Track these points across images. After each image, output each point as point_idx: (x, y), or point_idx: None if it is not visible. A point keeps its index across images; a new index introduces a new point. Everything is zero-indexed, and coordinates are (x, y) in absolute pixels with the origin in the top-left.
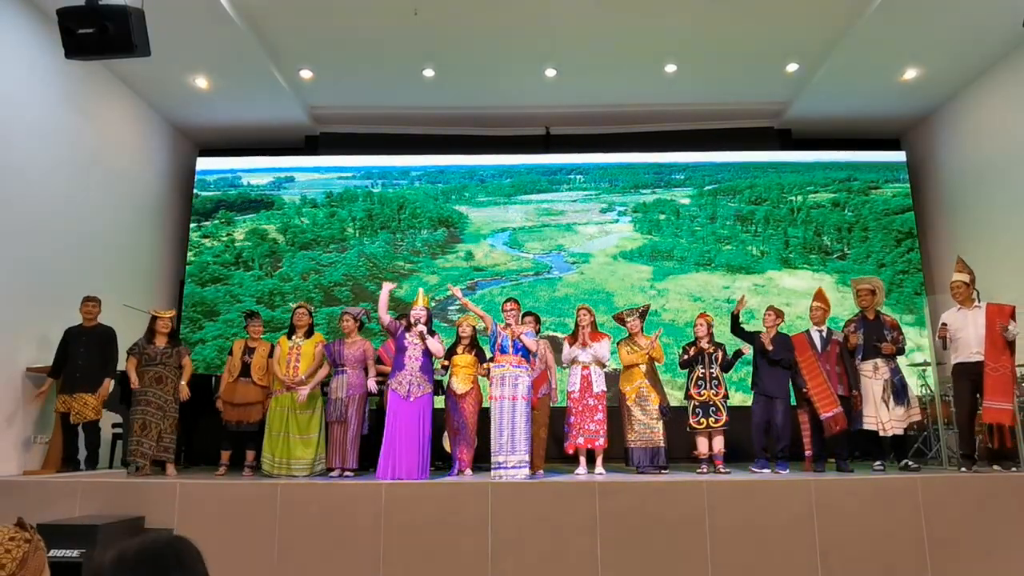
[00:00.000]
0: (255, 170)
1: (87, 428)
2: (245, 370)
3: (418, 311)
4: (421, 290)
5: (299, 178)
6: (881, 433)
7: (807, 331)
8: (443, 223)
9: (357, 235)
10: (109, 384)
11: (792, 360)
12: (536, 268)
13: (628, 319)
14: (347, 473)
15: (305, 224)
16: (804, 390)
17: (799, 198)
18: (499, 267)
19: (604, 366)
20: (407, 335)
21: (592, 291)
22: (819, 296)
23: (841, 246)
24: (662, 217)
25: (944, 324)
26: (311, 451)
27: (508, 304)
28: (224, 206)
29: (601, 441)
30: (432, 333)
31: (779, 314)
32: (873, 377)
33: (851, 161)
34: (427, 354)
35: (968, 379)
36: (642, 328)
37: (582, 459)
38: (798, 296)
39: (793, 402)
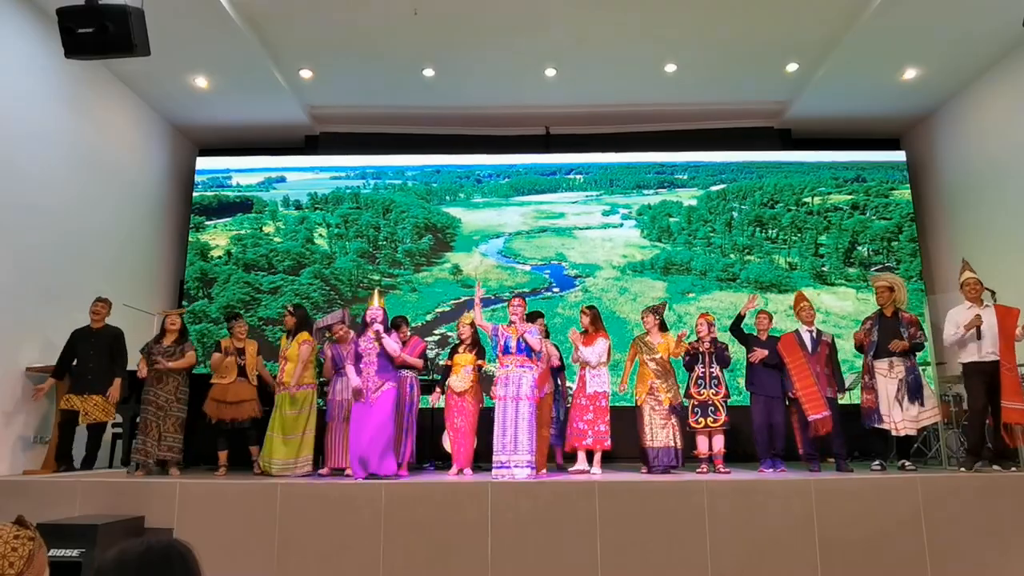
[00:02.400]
0: (247, 170)
1: (92, 429)
2: (240, 371)
3: (374, 311)
4: (377, 290)
5: (291, 178)
6: (893, 432)
7: (796, 331)
8: (430, 229)
9: (329, 244)
10: (119, 383)
11: (781, 360)
12: (533, 283)
13: (644, 318)
14: (348, 472)
15: (268, 232)
16: (791, 392)
17: (816, 200)
18: (491, 282)
19: (593, 367)
20: (360, 340)
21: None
22: (801, 297)
23: (883, 257)
24: (671, 220)
25: (978, 315)
26: (292, 451)
27: (515, 301)
28: (197, 210)
29: (588, 441)
30: (388, 332)
31: (770, 317)
32: (888, 375)
33: (857, 161)
34: (382, 356)
35: (980, 378)
36: (659, 325)
37: (580, 455)
38: (844, 321)
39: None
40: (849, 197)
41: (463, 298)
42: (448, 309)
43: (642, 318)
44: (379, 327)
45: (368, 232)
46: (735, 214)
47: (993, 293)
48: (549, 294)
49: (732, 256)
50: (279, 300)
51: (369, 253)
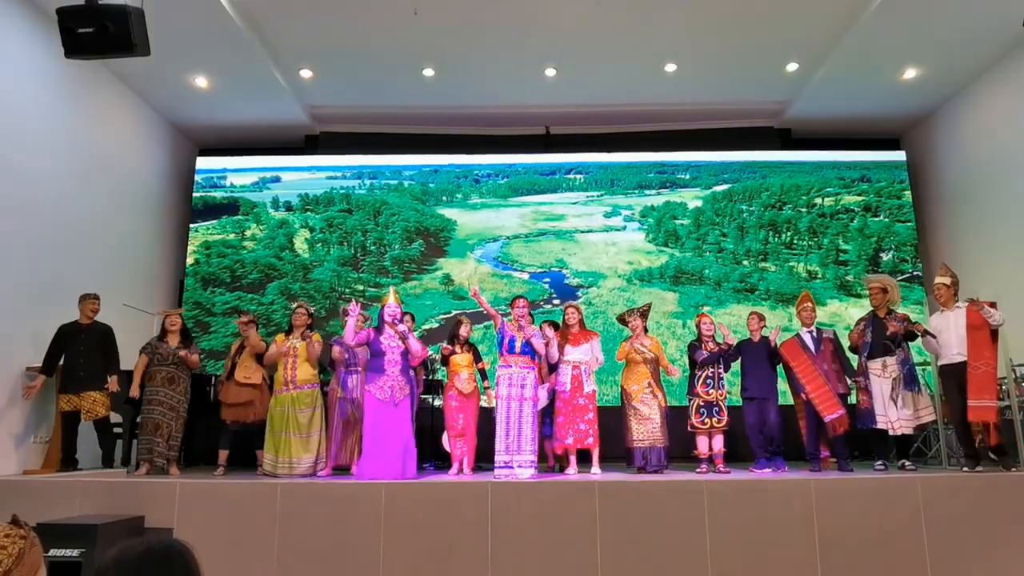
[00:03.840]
0: (243, 170)
1: (100, 427)
2: (233, 371)
3: (392, 308)
4: (392, 288)
5: (286, 178)
6: (890, 432)
7: (797, 334)
8: (422, 233)
9: (308, 251)
10: (115, 381)
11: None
12: (532, 293)
13: (629, 319)
14: (353, 471)
15: (246, 237)
16: (802, 395)
17: (827, 201)
18: (485, 292)
19: (600, 364)
20: (381, 338)
21: (606, 333)
22: (806, 298)
23: (910, 265)
24: (678, 223)
25: (916, 323)
26: (312, 451)
27: (519, 302)
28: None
29: (591, 440)
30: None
31: (762, 318)
32: (882, 375)
33: (860, 160)
34: (405, 355)
35: (953, 380)
36: (644, 328)
37: (572, 459)
38: None
39: (788, 402)
40: (859, 198)
41: (453, 312)
42: (437, 326)
43: (628, 321)
44: (404, 328)
45: (354, 237)
46: (746, 216)
47: (955, 294)
48: (549, 307)
49: (746, 263)
50: (230, 328)
51: (353, 260)
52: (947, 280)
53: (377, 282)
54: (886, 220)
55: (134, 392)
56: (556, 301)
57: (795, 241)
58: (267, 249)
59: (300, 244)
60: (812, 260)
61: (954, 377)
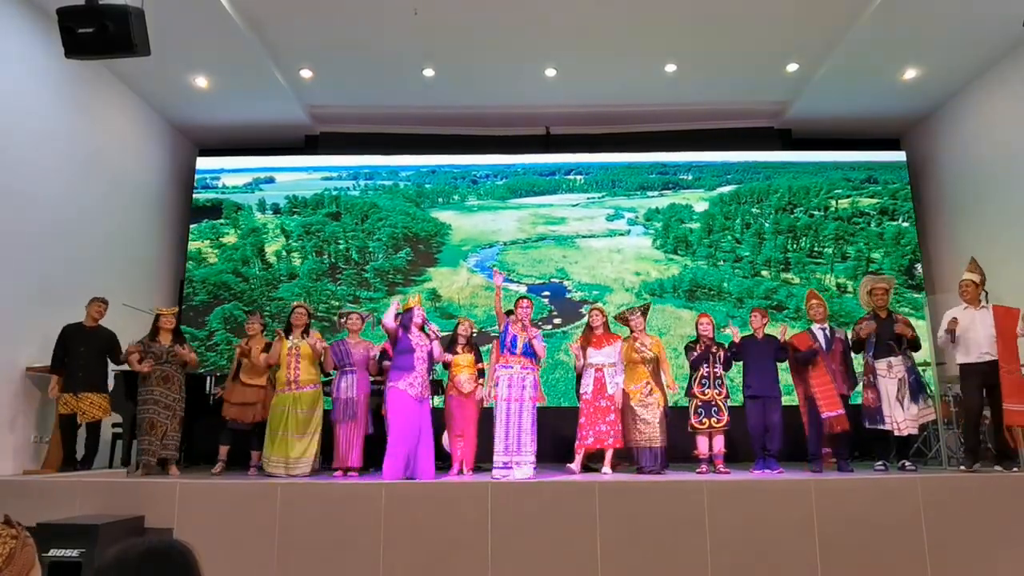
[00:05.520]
0: (237, 170)
1: (90, 427)
2: (239, 371)
3: (420, 311)
4: (420, 295)
5: (281, 179)
6: (896, 433)
7: (809, 329)
8: (410, 240)
9: (278, 262)
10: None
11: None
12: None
13: (631, 318)
14: (351, 473)
15: (213, 244)
16: (811, 384)
17: (841, 203)
18: (476, 308)
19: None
20: (409, 335)
21: None
22: (813, 295)
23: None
24: (685, 227)
25: (955, 318)
26: (311, 452)
27: (523, 302)
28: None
29: (611, 441)
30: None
31: (765, 314)
32: (887, 375)
33: (864, 161)
34: (429, 355)
35: (977, 379)
36: (644, 327)
37: (578, 457)
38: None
39: (790, 402)
40: (872, 200)
41: (443, 333)
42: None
43: (628, 320)
44: (436, 328)
45: (334, 245)
46: (761, 221)
47: (987, 294)
48: (549, 327)
49: (766, 273)
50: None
51: (330, 271)
52: (976, 278)
53: (356, 295)
54: (907, 225)
55: (141, 368)
56: (557, 320)
57: (815, 248)
58: (227, 263)
59: (271, 255)
60: (839, 271)
61: (979, 376)
